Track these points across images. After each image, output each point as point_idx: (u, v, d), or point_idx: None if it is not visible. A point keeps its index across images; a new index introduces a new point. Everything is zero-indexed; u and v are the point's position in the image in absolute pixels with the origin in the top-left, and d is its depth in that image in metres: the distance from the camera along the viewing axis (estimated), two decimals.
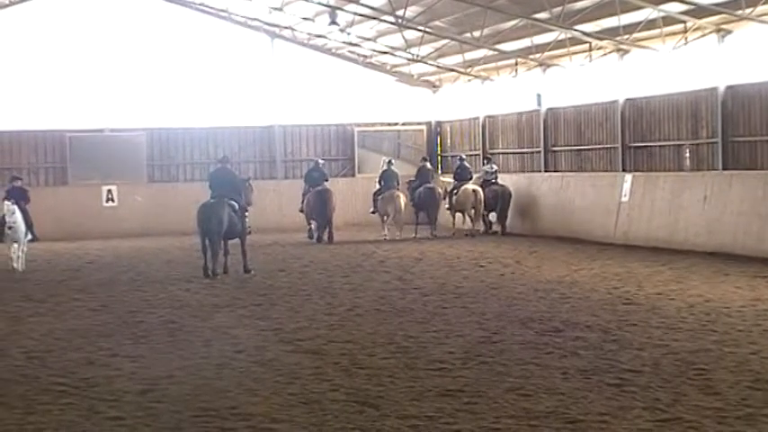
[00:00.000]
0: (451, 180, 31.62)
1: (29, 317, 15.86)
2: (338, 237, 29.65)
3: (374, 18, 31.10)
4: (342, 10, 31.25)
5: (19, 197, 23.07)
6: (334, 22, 31.92)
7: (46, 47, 34.39)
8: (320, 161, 31.72)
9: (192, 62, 35.81)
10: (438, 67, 35.44)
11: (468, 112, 36.50)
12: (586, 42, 28.06)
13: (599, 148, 29.16)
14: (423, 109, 38.73)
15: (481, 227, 30.84)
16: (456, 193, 30.44)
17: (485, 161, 32.84)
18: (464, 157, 32.67)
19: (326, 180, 30.38)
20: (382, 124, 38.24)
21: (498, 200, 30.62)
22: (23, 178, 28.24)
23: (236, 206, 21.17)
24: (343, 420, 8.91)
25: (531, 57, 30.45)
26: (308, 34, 36.12)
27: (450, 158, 37.37)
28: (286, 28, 36.01)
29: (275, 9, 33.50)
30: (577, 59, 29.35)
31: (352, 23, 32.61)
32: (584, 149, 29.89)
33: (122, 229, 33.46)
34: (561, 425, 8.60)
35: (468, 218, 30.35)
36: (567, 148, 30.77)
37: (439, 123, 38.77)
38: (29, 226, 22.99)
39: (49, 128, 34.63)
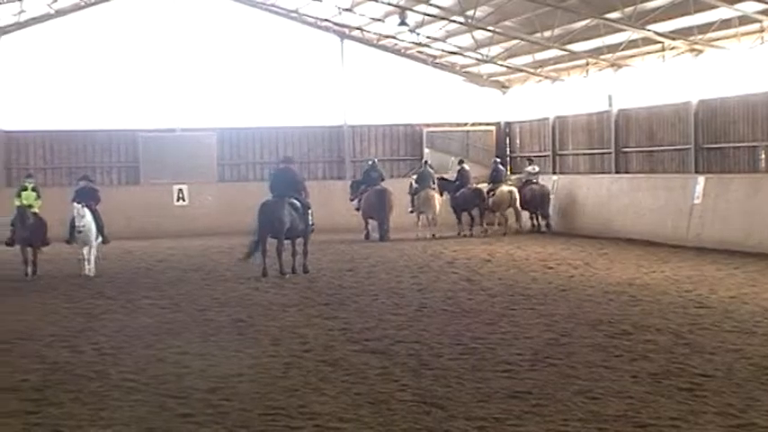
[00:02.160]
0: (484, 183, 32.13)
1: (101, 314, 16.06)
2: (404, 236, 29.82)
3: (444, 18, 31.07)
4: (411, 10, 31.25)
5: (89, 198, 22.41)
6: (403, 23, 31.95)
7: (119, 48, 34.84)
8: (376, 161, 32.12)
9: (263, 62, 36.05)
10: (508, 67, 35.29)
11: (537, 113, 36.29)
12: (659, 42, 27.76)
13: (671, 150, 28.82)
14: (492, 110, 38.57)
15: (515, 226, 31.38)
16: (492, 195, 31.05)
17: (527, 162, 33.50)
18: (499, 159, 33.55)
19: (383, 180, 30.95)
20: (451, 125, 38.17)
21: (537, 199, 31.43)
22: (96, 178, 28.69)
23: (298, 205, 21.17)
24: (410, 421, 8.89)
25: (603, 57, 30.20)
26: (378, 35, 36.18)
27: (519, 159, 37.26)
28: (356, 28, 36.10)
29: (345, 10, 33.60)
30: (650, 60, 29.06)
31: (421, 24, 32.60)
32: (656, 151, 29.56)
33: (193, 228, 33.76)
34: (631, 429, 8.50)
35: (497, 217, 31.41)
36: (638, 149, 30.46)
37: (508, 124, 38.59)
38: (99, 228, 22.26)
39: (121, 128, 35.07)
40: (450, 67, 37.71)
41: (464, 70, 37.76)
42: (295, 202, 21.09)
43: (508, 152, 38.58)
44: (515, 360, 11.46)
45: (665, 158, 29.13)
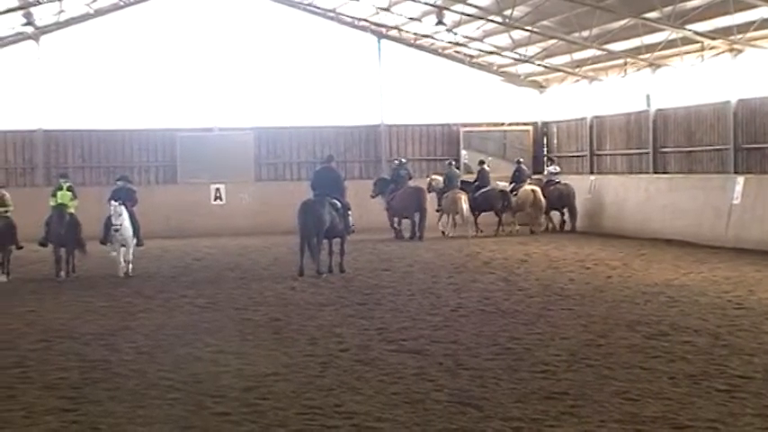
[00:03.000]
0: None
1: (139, 312, 16.15)
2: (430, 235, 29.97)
3: (481, 18, 31.01)
4: (449, 10, 31.21)
5: (125, 198, 21.98)
6: (440, 23, 31.93)
7: (157, 48, 35.04)
8: (404, 160, 32.63)
9: (300, 62, 36.11)
10: (545, 67, 35.17)
11: (575, 113, 36.15)
12: (698, 42, 27.55)
13: (710, 150, 28.60)
14: (529, 109, 38.45)
15: (541, 226, 31.98)
16: (515, 194, 31.57)
17: (548, 162, 34.54)
18: (521, 160, 34.04)
19: (410, 178, 31.34)
20: (488, 125, 38.09)
21: (564, 199, 31.95)
22: (134, 177, 28.83)
23: (339, 205, 21.24)
24: (446, 421, 8.88)
25: (641, 57, 30.02)
26: (415, 34, 36.17)
27: (555, 159, 37.17)
28: (393, 28, 36.11)
29: (382, 9, 33.62)
30: (689, 59, 28.84)
31: (459, 23, 32.55)
32: (695, 151, 29.35)
33: (230, 227, 33.89)
34: (668, 430, 8.45)
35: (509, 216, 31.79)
36: (676, 149, 30.25)
37: (545, 124, 38.46)
38: (135, 230, 21.85)
39: (159, 127, 35.27)
40: (488, 67, 37.63)
41: (501, 70, 37.68)
42: (336, 202, 21.16)
43: (545, 152, 38.44)
44: (552, 361, 11.42)
45: (704, 159, 28.90)
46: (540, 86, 38.11)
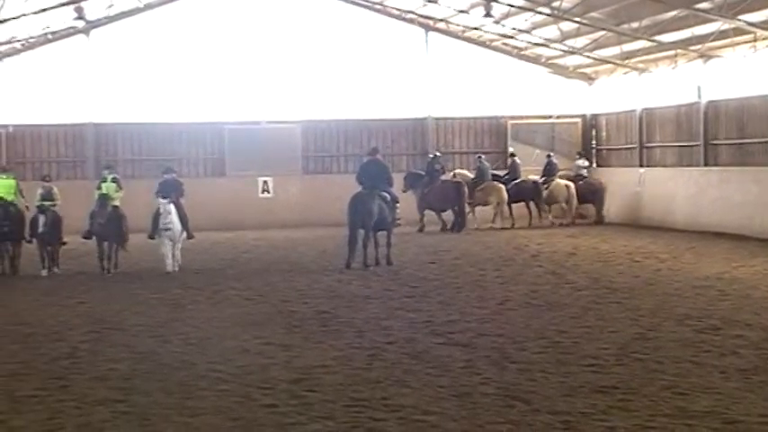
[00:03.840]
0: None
1: (188, 305, 16.27)
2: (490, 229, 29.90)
3: (529, 10, 30.83)
4: (497, 2, 31.04)
5: (172, 190, 21.69)
6: (488, 14, 31.75)
7: (205, 41, 35.18)
8: (438, 153, 32.77)
9: (347, 55, 36.11)
10: (594, 59, 34.90)
11: (624, 105, 35.83)
12: (750, 33, 27.18)
13: (762, 142, 28.23)
14: (577, 102, 38.17)
15: (569, 218, 32.35)
16: (547, 188, 32.17)
17: (577, 155, 34.61)
18: (552, 154, 34.08)
19: (444, 172, 31.83)
20: (536, 117, 37.88)
21: (596, 193, 32.72)
22: (182, 170, 29.01)
23: (388, 198, 21.28)
24: (493, 414, 8.85)
25: (692, 48, 29.70)
26: (463, 26, 36.04)
27: (604, 152, 36.96)
28: (440, 20, 36.00)
29: (430, 2, 33.53)
30: (741, 50, 28.47)
31: (506, 15, 32.37)
32: (747, 143, 28.99)
33: (277, 220, 34.00)
34: (719, 425, 8.36)
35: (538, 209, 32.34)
36: (727, 141, 29.88)
37: (594, 116, 38.17)
38: (184, 223, 21.58)
39: (208, 120, 35.45)
40: (536, 59, 37.40)
41: (550, 62, 37.42)
42: (385, 194, 21.22)
43: (594, 144, 38.16)
44: (601, 354, 11.35)
45: (756, 151, 28.52)
46: (589, 78, 37.80)
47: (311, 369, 10.89)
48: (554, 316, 14.21)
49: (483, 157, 33.59)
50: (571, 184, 32.42)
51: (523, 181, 32.42)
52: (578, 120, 38.10)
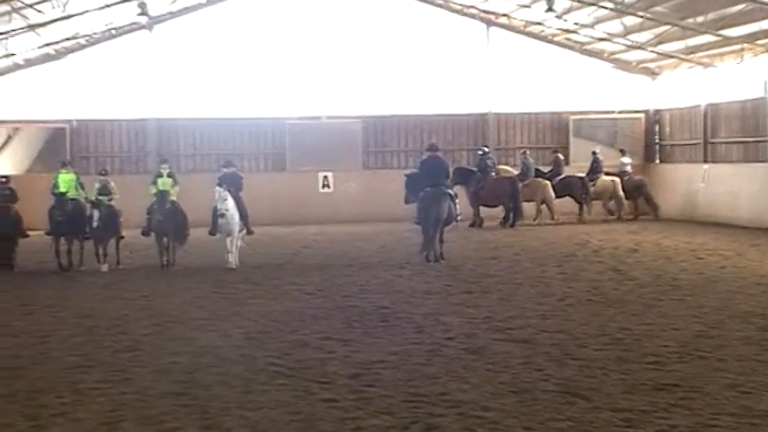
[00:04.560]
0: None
1: (249, 299, 16.35)
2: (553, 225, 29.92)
3: (592, 4, 30.58)
4: None
5: (231, 184, 21.31)
6: (551, 9, 31.54)
7: (267, 37, 35.34)
8: (487, 149, 32.78)
9: (408, 50, 36.08)
10: (658, 53, 34.53)
11: (688, 100, 35.42)
12: None
13: None
14: (641, 97, 37.80)
15: (619, 214, 32.79)
16: (593, 184, 32.59)
17: (620, 152, 34.82)
18: (598, 151, 33.98)
19: (495, 167, 32.09)
20: (598, 112, 37.58)
21: (640, 189, 33.31)
22: (243, 165, 29.13)
23: (453, 194, 21.43)
24: (553, 411, 8.79)
25: (759, 42, 29.26)
26: (525, 21, 35.85)
27: (668, 148, 36.60)
28: (502, 15, 35.85)
29: None
30: None
31: (569, 10, 32.15)
32: None
33: (337, 215, 34.08)
34: None
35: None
36: None
37: (657, 111, 37.78)
38: (243, 217, 21.33)
39: (269, 115, 35.62)
40: (599, 54, 37.08)
41: (612, 57, 37.10)
42: (450, 192, 21.45)
43: (657, 140, 37.77)
44: (662, 352, 11.23)
45: None
46: (653, 73, 37.41)
47: (370, 364, 10.89)
48: (615, 313, 14.08)
49: (528, 152, 33.67)
50: (617, 180, 32.77)
51: (570, 177, 32.64)
52: (641, 115, 37.74)
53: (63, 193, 21.54)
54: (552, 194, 31.80)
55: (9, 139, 34.56)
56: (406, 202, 23.79)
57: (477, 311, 14.46)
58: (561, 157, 33.85)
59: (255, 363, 11.13)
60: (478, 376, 10.21)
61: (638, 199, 33.52)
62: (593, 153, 33.79)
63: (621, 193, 32.71)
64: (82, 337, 13.05)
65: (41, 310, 15.58)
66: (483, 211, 31.17)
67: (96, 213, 20.99)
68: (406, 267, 20.22)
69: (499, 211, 31.26)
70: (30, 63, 33.80)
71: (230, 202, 20.85)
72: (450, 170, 22.29)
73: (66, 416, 9.04)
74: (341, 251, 24.15)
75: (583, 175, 32.84)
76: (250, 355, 11.54)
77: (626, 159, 34.27)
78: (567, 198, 32.46)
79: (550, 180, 32.37)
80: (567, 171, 33.43)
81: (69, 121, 34.54)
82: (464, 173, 31.44)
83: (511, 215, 30.87)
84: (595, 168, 33.05)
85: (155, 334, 13.16)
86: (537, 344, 11.88)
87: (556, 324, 13.24)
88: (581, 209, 32.37)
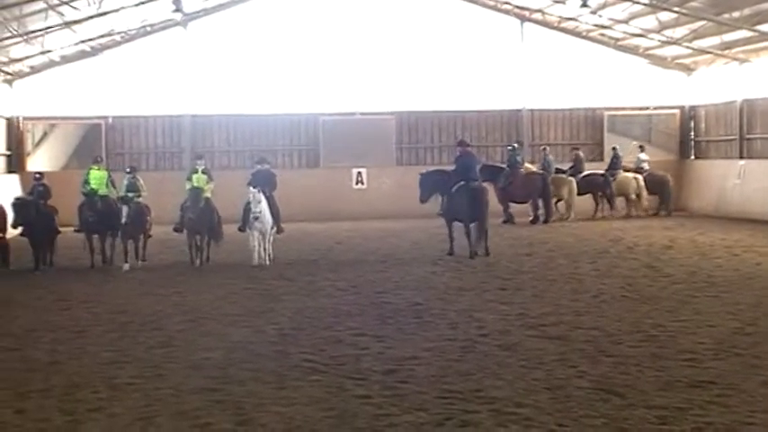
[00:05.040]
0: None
1: (282, 295, 16.38)
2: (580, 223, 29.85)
3: (627, 0, 30.41)
4: None
5: (265, 182, 21.19)
6: (585, 5, 31.40)
7: (301, 33, 35.40)
8: (517, 145, 32.66)
9: (441, 46, 36.05)
10: (693, 49, 34.30)
11: (724, 96, 35.17)
12: None
13: None
14: (676, 93, 37.57)
15: (633, 210, 32.65)
16: (614, 181, 32.42)
17: (639, 149, 34.48)
18: (617, 147, 33.71)
19: (524, 164, 32.08)
20: (633, 108, 37.38)
21: (661, 185, 32.94)
22: (277, 160, 29.15)
23: (486, 190, 21.60)
24: (587, 408, 8.76)
25: None
26: (559, 17, 35.71)
27: (703, 144, 36.36)
28: (536, 11, 35.74)
29: None
30: None
31: (603, 6, 32.00)
32: None
33: (371, 211, 34.08)
34: None
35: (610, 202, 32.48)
36: None
37: (693, 107, 37.53)
38: (275, 216, 21.15)
39: (302, 111, 35.69)
40: (633, 50, 36.88)
41: (647, 53, 36.88)
42: (486, 188, 21.84)
43: (692, 136, 37.53)
44: (698, 349, 11.17)
45: None
46: (688, 69, 37.17)
47: (404, 360, 10.90)
48: (650, 309, 14.01)
49: (548, 149, 33.56)
50: (639, 177, 32.62)
51: (593, 174, 32.49)
52: (676, 111, 37.52)
53: (94, 191, 21.60)
54: (575, 191, 31.71)
55: (45, 135, 34.82)
56: (422, 201, 23.68)
57: (511, 308, 14.43)
58: (581, 154, 33.57)
59: (289, 359, 11.16)
60: (512, 373, 10.19)
61: (657, 194, 33.16)
62: (613, 149, 33.64)
63: (644, 189, 32.49)
64: (117, 332, 13.14)
65: (77, 306, 15.69)
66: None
67: (125, 210, 20.85)
68: (440, 264, 20.22)
69: (525, 207, 31.06)
70: (66, 60, 34.07)
71: (264, 204, 20.69)
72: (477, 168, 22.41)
73: (102, 411, 9.11)
74: (374, 247, 24.16)
75: (603, 171, 32.73)
76: (284, 352, 11.57)
77: (643, 156, 34.01)
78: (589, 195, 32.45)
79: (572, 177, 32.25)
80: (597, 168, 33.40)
81: (105, 118, 34.75)
82: (492, 170, 31.29)
83: (539, 213, 30.61)
84: (615, 165, 32.87)
85: (188, 330, 13.22)
86: (571, 340, 11.84)
87: (590, 321, 13.19)
88: (601, 206, 32.33)
